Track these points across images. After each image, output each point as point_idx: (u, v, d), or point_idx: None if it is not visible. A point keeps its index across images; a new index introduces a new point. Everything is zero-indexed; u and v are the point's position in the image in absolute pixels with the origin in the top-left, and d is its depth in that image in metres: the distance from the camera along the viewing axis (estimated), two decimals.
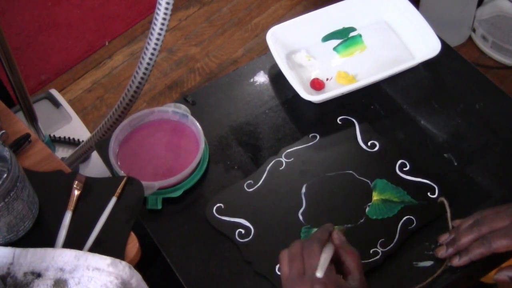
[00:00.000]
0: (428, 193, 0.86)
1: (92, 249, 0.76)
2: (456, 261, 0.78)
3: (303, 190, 0.88)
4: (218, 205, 0.87)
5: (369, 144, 0.93)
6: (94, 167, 1.59)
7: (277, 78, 1.02)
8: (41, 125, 1.43)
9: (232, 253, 0.83)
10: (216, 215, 0.86)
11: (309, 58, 1.03)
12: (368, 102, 0.98)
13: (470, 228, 0.78)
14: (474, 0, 1.88)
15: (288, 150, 0.93)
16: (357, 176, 0.89)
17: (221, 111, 0.99)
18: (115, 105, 1.23)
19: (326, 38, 1.06)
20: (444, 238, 0.81)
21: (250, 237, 0.84)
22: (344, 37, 1.06)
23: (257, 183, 0.89)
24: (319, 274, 0.65)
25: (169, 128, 0.95)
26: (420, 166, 0.89)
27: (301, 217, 0.85)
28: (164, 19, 1.07)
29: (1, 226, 0.74)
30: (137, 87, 1.18)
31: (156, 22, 1.08)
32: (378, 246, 0.81)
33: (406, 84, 1.00)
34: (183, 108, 0.95)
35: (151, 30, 1.10)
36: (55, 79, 1.99)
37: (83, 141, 1.51)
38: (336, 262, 0.69)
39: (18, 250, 0.74)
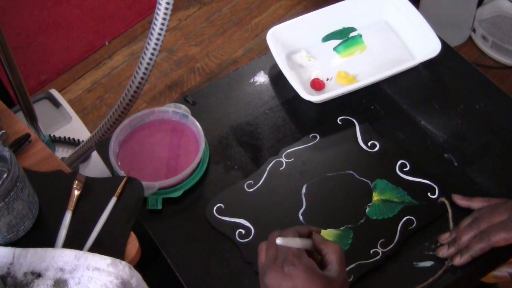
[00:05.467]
0: (428, 194, 0.86)
1: (92, 249, 0.76)
2: (458, 260, 0.78)
3: (303, 190, 0.88)
4: (218, 205, 0.87)
5: (369, 144, 0.93)
6: (94, 167, 1.59)
7: (277, 78, 1.02)
8: (41, 125, 1.43)
9: (232, 253, 0.83)
10: (216, 215, 0.86)
11: (309, 58, 1.03)
12: (368, 102, 0.98)
13: (469, 226, 0.79)
14: (474, 0, 1.88)
15: (288, 150, 0.93)
16: (357, 177, 0.89)
17: (221, 111, 0.99)
18: (115, 105, 1.23)
19: (326, 38, 1.06)
20: (445, 237, 0.81)
21: (250, 237, 0.84)
22: (344, 37, 1.06)
23: (257, 183, 0.89)
24: (278, 240, 0.66)
25: (169, 128, 0.95)
26: (420, 166, 0.89)
27: (301, 217, 0.85)
28: (164, 19, 1.07)
29: (1, 226, 0.74)
30: (137, 87, 1.18)
31: (156, 22, 1.08)
32: (378, 247, 0.81)
33: (406, 84, 1.00)
34: (183, 108, 0.95)
35: (151, 30, 1.10)
36: (55, 79, 1.99)
37: (83, 141, 1.51)
38: (321, 259, 0.69)
39: (18, 250, 0.74)
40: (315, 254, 0.70)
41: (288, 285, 0.64)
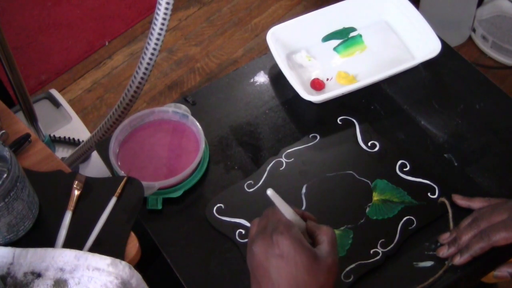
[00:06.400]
0: (428, 194, 0.86)
1: (92, 249, 0.76)
2: (458, 259, 0.78)
3: (303, 190, 0.88)
4: (218, 205, 0.87)
5: (369, 144, 0.93)
6: (94, 167, 1.59)
7: (277, 78, 1.02)
8: (41, 125, 1.43)
9: (232, 253, 0.83)
10: (216, 215, 0.86)
11: (309, 58, 1.03)
12: (368, 102, 0.98)
13: (469, 225, 0.79)
14: (474, 0, 1.88)
15: (288, 151, 0.93)
16: (357, 177, 0.89)
17: (221, 111, 0.99)
18: (115, 105, 1.23)
19: (326, 38, 1.06)
20: (445, 237, 0.81)
21: None
22: (344, 37, 1.06)
23: (257, 183, 0.89)
24: (269, 191, 0.66)
25: (169, 128, 0.95)
26: (420, 166, 0.89)
27: None
28: (164, 19, 1.07)
29: (1, 226, 0.74)
30: (137, 87, 1.18)
31: (156, 22, 1.08)
32: (378, 247, 0.81)
33: (406, 84, 1.00)
34: (183, 108, 0.95)
35: (151, 30, 1.10)
36: (55, 79, 1.99)
37: (83, 141, 1.51)
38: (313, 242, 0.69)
39: (18, 250, 0.74)
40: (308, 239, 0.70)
41: (274, 252, 0.63)
